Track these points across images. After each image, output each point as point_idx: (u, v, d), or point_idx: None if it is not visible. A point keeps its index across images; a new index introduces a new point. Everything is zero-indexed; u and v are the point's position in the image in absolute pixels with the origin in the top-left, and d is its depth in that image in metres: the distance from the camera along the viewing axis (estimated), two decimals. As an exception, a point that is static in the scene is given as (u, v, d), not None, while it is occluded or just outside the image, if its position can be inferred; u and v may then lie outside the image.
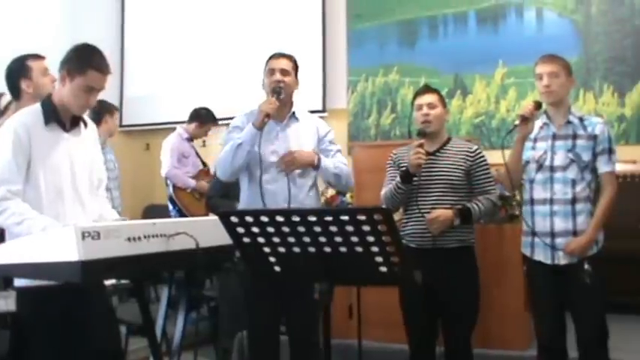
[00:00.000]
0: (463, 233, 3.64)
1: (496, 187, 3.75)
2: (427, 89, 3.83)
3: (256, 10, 8.08)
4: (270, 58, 3.84)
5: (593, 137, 3.53)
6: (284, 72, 3.75)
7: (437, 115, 3.70)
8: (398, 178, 3.64)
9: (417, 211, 3.62)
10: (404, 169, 3.63)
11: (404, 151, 3.79)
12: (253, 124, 3.62)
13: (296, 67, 3.85)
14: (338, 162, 3.82)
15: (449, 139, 3.78)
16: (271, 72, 3.77)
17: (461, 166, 3.65)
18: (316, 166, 3.75)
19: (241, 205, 3.86)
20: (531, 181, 3.61)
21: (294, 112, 3.84)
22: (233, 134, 3.75)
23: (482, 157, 3.71)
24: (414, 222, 3.66)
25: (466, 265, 3.67)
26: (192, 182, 6.49)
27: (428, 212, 3.57)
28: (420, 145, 3.56)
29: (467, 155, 3.68)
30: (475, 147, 3.75)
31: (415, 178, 3.60)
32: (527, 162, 3.62)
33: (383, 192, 3.79)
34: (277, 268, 2.70)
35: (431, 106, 3.70)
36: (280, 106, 3.70)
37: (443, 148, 3.72)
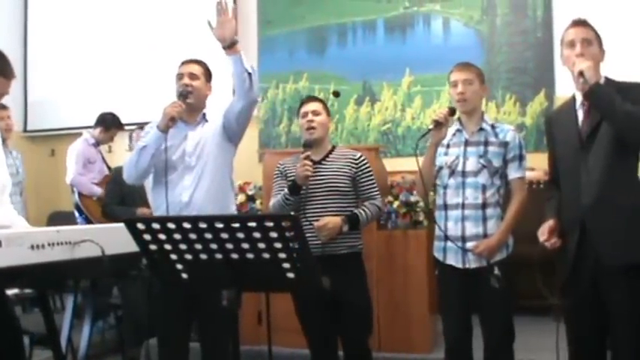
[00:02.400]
0: (352, 239, 3.72)
1: (380, 193, 3.85)
2: (311, 98, 3.98)
3: (164, 15, 8.00)
4: (181, 64, 3.83)
5: (504, 144, 3.62)
6: (192, 76, 3.75)
7: (321, 121, 3.79)
8: (286, 190, 3.70)
9: (304, 219, 3.63)
10: (291, 181, 3.69)
11: (290, 161, 3.87)
12: (158, 127, 3.60)
13: (207, 73, 3.84)
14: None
15: (333, 148, 3.87)
16: (179, 77, 3.77)
17: (346, 173, 3.74)
18: (232, 44, 3.62)
19: (152, 206, 3.84)
20: (445, 187, 3.66)
21: (204, 114, 3.83)
22: (144, 138, 3.71)
23: (367, 164, 3.81)
24: None
25: (356, 270, 3.76)
26: (98, 190, 6.36)
27: (316, 220, 3.62)
28: (307, 157, 3.63)
29: (352, 162, 3.77)
30: (359, 154, 3.84)
31: (303, 190, 3.66)
32: (441, 168, 3.67)
33: (271, 203, 3.85)
34: (184, 276, 2.69)
35: (315, 112, 3.79)
36: (190, 110, 3.71)
37: (328, 157, 3.81)
